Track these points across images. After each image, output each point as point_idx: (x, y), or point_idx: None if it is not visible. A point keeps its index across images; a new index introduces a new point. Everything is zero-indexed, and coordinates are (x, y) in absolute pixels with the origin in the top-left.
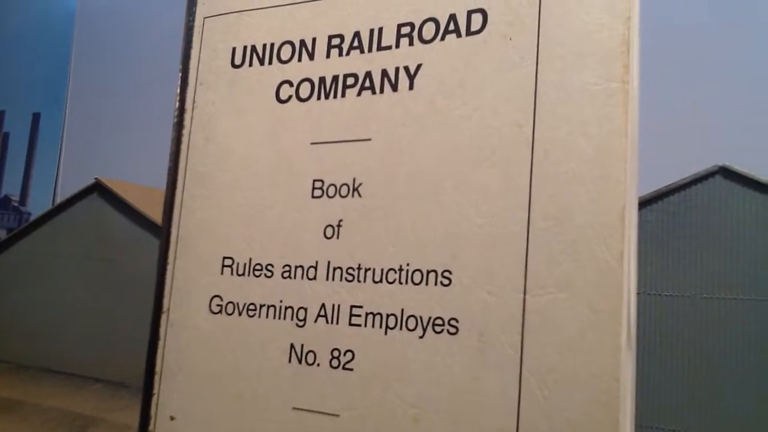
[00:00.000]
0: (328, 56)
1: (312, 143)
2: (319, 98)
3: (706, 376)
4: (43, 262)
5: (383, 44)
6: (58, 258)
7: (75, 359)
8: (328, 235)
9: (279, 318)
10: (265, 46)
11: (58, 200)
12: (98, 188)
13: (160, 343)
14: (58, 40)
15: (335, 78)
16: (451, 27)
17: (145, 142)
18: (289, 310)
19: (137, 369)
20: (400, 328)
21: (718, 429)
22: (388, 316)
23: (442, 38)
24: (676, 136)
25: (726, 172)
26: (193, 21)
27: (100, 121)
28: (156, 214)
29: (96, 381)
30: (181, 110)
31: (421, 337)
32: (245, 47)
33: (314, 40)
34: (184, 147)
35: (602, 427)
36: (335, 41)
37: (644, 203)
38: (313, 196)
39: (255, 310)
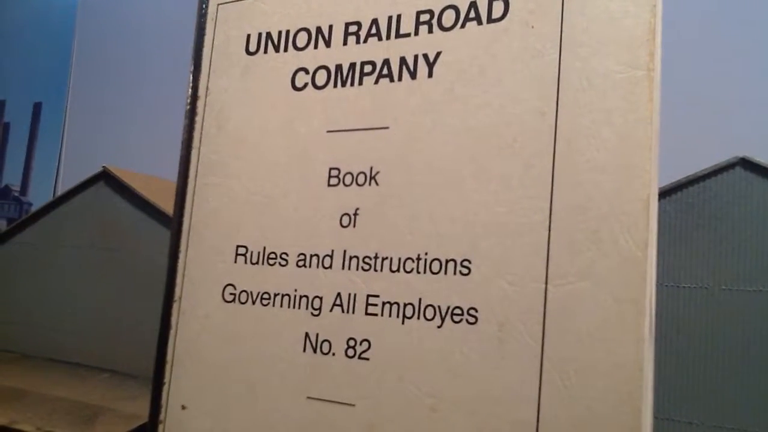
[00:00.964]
0: (345, 43)
1: (328, 131)
2: (335, 86)
3: (723, 369)
4: (48, 251)
5: (402, 32)
6: (64, 247)
7: (80, 349)
8: (345, 223)
9: (294, 307)
10: (280, 33)
11: (60, 190)
12: (105, 177)
13: (172, 332)
14: (60, 29)
15: (352, 65)
16: (472, 14)
17: (148, 133)
18: (304, 299)
19: (145, 359)
20: (418, 318)
21: (735, 421)
22: (405, 305)
23: (463, 26)
24: (695, 127)
25: (746, 164)
26: (207, 7)
27: (103, 111)
28: (164, 204)
29: (102, 371)
30: (194, 97)
31: (439, 327)
32: (260, 34)
33: (331, 27)
34: (196, 134)
35: (624, 417)
36: (352, 28)
37: (663, 194)
38: (329, 185)
39: (269, 298)
